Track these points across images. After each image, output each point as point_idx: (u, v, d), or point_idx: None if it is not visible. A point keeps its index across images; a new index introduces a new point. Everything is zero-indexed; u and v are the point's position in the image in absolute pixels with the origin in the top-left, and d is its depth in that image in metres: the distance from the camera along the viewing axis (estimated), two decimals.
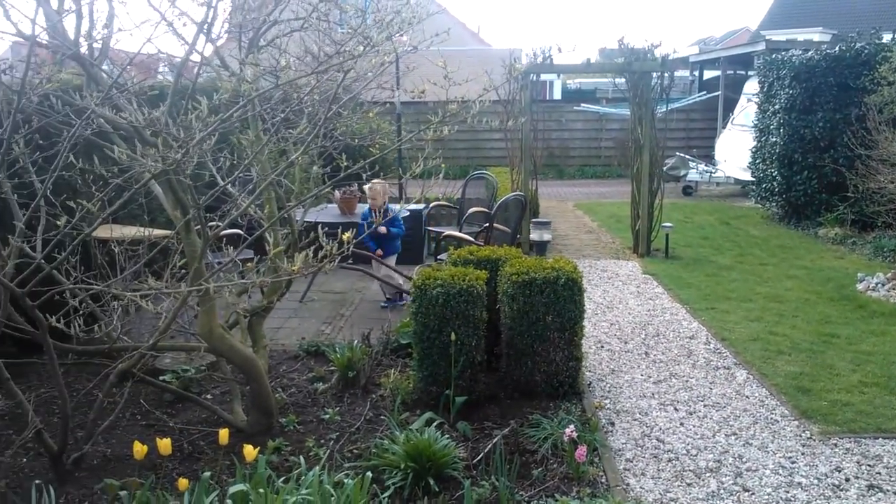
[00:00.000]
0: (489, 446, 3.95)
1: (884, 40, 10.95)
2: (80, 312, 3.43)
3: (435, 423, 4.07)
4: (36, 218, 3.52)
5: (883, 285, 7.56)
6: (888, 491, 3.72)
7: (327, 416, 4.46)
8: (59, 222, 3.02)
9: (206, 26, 3.33)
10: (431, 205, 9.60)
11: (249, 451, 3.32)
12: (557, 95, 26.98)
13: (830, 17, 20.83)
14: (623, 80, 9.56)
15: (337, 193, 7.69)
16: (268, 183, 3.90)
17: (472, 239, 7.17)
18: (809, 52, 11.34)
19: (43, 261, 3.37)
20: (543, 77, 24.00)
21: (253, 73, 3.19)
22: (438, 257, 7.14)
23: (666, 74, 9.30)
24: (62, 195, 3.86)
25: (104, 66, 3.67)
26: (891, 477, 3.86)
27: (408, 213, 8.10)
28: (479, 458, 3.90)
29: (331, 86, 4.09)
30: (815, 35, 17.04)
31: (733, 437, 4.32)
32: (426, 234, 9.04)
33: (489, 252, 5.37)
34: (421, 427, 3.97)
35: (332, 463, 3.84)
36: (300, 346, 5.74)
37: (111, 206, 3.26)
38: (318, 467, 3.44)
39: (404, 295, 6.49)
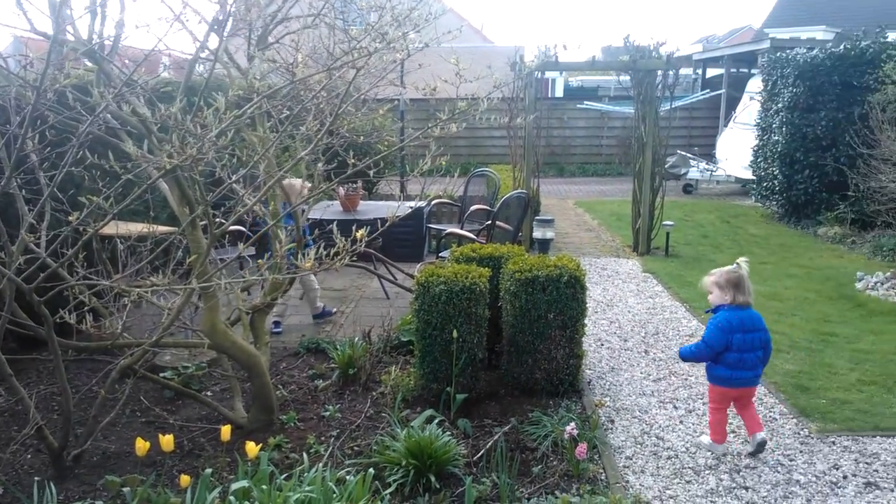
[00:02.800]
0: (490, 443, 3.97)
1: (888, 39, 10.93)
2: (85, 308, 3.45)
3: (436, 421, 4.10)
4: (41, 214, 3.53)
5: (882, 284, 7.59)
6: (885, 488, 3.74)
7: (328, 413, 4.48)
8: (70, 218, 3.03)
9: (217, 25, 3.34)
10: (433, 202, 9.61)
11: (251, 447, 3.34)
12: (559, 93, 26.91)
13: (834, 16, 20.84)
14: (627, 77, 9.56)
15: (341, 191, 7.70)
16: (275, 181, 3.91)
17: (474, 236, 7.18)
18: (814, 51, 11.33)
19: (48, 257, 3.39)
20: (546, 75, 23.95)
21: (264, 70, 3.20)
22: (440, 254, 7.16)
23: (671, 72, 9.30)
24: (68, 191, 3.88)
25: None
26: (888, 474, 3.88)
27: (409, 211, 8.12)
28: (479, 455, 3.92)
29: (339, 83, 4.10)
30: (819, 33, 17.04)
31: (732, 436, 4.34)
32: (427, 232, 9.05)
33: (492, 250, 5.38)
34: (422, 424, 3.99)
35: (333, 460, 3.86)
36: (300, 343, 5.76)
37: (118, 203, 3.27)
38: (320, 464, 3.47)
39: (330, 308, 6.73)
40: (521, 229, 8.05)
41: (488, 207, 8.26)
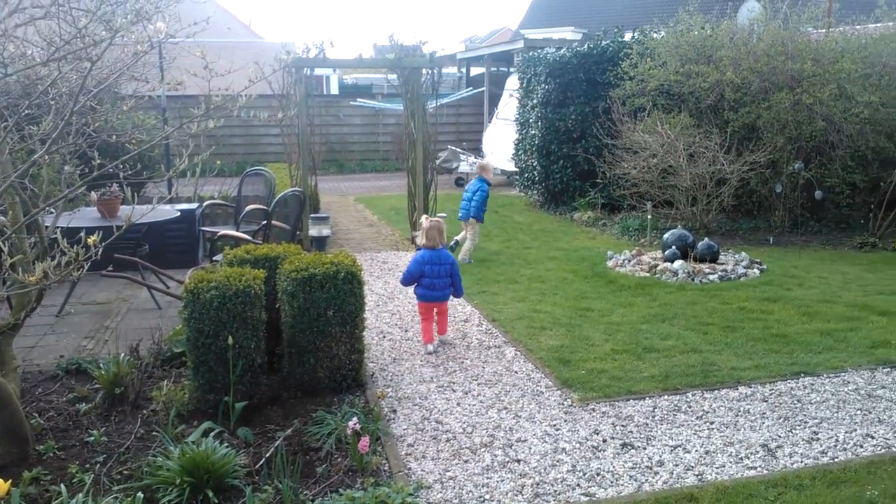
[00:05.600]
0: (272, 450, 3.88)
1: (626, 38, 12.16)
2: None
3: (213, 433, 3.94)
4: None
5: (629, 261, 8.47)
6: (639, 447, 4.17)
7: (92, 438, 4.13)
8: None
9: None
10: (206, 203, 9.20)
11: (0, 485, 2.99)
12: (335, 90, 26.92)
13: (582, 17, 22.72)
14: (395, 75, 9.77)
15: (93, 195, 7.10)
16: (6, 185, 3.52)
17: (249, 238, 6.97)
18: (562, 50, 12.29)
19: None
20: (320, 72, 23.82)
21: None
22: (214, 258, 6.86)
23: (434, 70, 9.64)
24: None
25: None
26: (640, 434, 4.33)
27: (178, 214, 7.71)
28: (261, 462, 3.82)
29: (80, 78, 3.77)
30: (568, 34, 18.51)
31: (504, 412, 4.62)
32: (201, 235, 8.64)
33: (267, 250, 5.27)
34: (198, 438, 3.81)
35: (98, 487, 3.57)
36: (58, 364, 5.24)
37: None
38: (80, 494, 3.19)
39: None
40: (299, 228, 7.95)
41: (265, 207, 8.06)
